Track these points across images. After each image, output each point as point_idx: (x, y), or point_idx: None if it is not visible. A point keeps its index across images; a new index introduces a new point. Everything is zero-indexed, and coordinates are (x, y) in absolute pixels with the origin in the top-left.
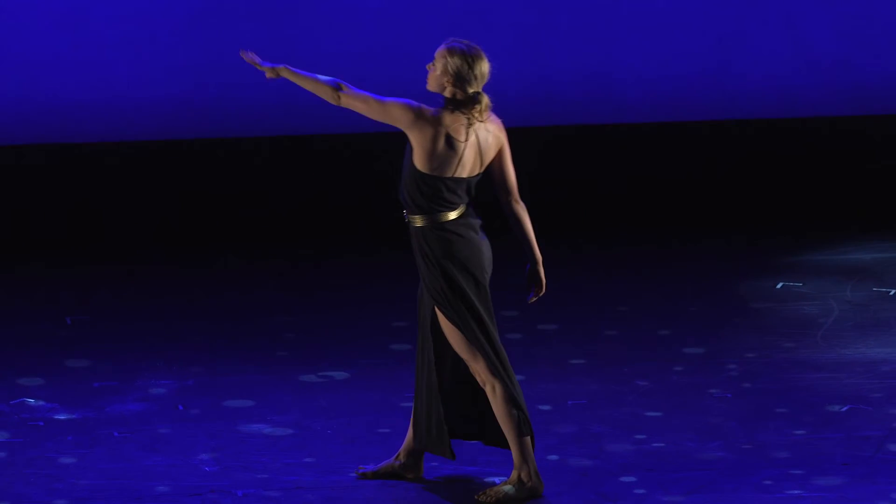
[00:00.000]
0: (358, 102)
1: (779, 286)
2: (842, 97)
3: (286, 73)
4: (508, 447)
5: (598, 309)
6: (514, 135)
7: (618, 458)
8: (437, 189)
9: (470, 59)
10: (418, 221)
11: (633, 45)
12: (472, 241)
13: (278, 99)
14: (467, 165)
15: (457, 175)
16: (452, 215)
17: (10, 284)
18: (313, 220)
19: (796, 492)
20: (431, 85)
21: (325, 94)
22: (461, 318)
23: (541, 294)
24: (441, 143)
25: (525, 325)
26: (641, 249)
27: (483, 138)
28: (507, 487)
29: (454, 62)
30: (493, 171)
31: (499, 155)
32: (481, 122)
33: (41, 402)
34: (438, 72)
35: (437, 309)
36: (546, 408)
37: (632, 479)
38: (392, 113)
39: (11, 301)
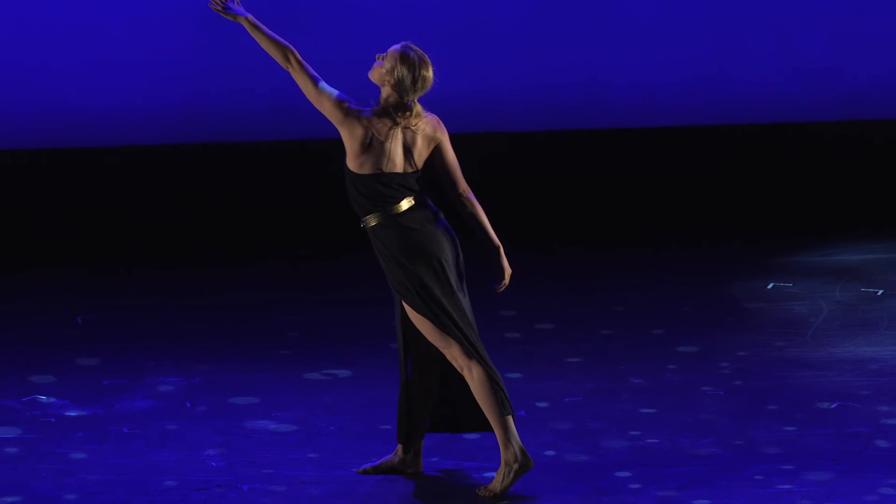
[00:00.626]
0: (300, 78)
1: (770, 287)
2: (832, 103)
3: (246, 24)
4: (484, 430)
5: (594, 309)
6: (512, 139)
7: (613, 453)
8: (373, 187)
9: (417, 71)
10: (371, 221)
11: (629, 52)
12: (426, 230)
13: (281, 104)
14: (397, 162)
15: (387, 171)
16: (402, 207)
17: (21, 285)
18: (314, 221)
19: (786, 486)
20: (374, 76)
21: (276, 56)
22: (428, 307)
23: (506, 282)
24: (367, 142)
25: (523, 324)
26: (636, 251)
27: (409, 138)
28: (500, 475)
29: (401, 70)
30: (436, 169)
31: (437, 151)
32: (407, 127)
33: (52, 399)
34: (384, 70)
35: (404, 303)
36: (543, 405)
37: (627, 474)
38: (324, 104)
39: (23, 301)
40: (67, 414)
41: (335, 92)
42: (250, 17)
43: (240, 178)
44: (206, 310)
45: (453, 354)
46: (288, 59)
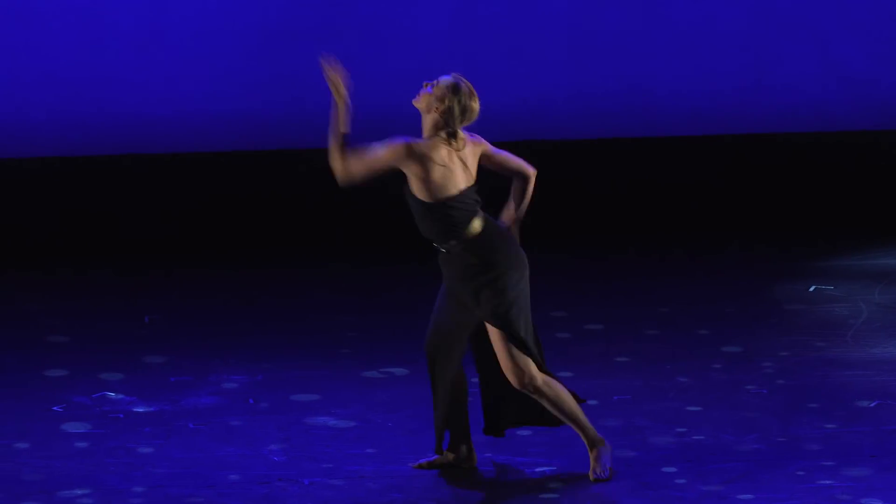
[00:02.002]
0: (359, 167)
1: (811, 289)
2: (870, 112)
3: (342, 107)
4: (529, 424)
5: (641, 310)
6: (559, 146)
7: (660, 449)
8: (445, 212)
9: (466, 102)
10: (455, 246)
11: (672, 63)
12: (506, 238)
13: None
14: (459, 182)
15: (453, 193)
16: (477, 224)
17: (92, 286)
18: (370, 225)
19: (827, 482)
20: (420, 103)
21: (335, 156)
22: (518, 324)
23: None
24: (432, 169)
25: (573, 325)
26: (682, 254)
27: (461, 156)
28: (595, 462)
29: (452, 100)
30: (495, 168)
31: (486, 158)
32: (457, 150)
33: (121, 396)
34: (434, 97)
35: (490, 324)
36: (593, 402)
37: (673, 469)
38: (387, 158)
39: (94, 301)
40: (135, 410)
41: (387, 142)
42: (347, 106)
43: (298, 184)
44: (267, 310)
45: (523, 368)
46: (342, 170)
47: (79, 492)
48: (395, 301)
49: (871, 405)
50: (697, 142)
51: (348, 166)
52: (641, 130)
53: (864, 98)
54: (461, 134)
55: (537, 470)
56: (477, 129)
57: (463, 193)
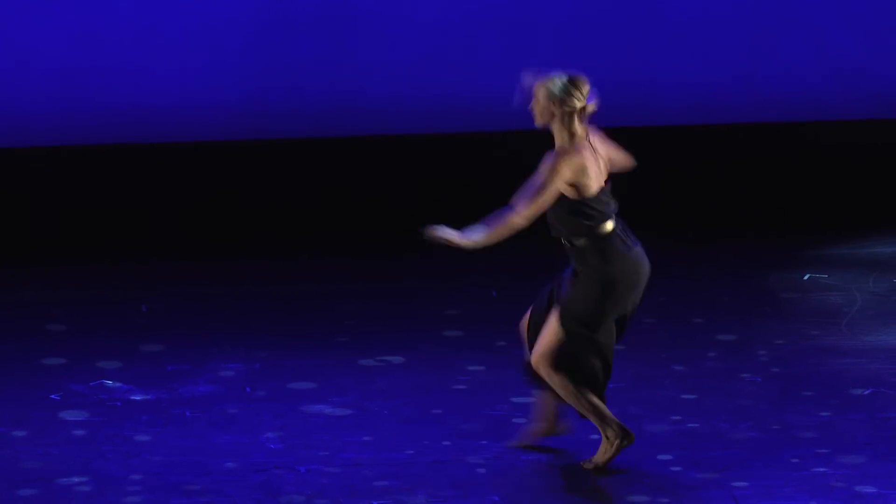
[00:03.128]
0: (535, 210)
1: (806, 278)
2: (864, 102)
3: (482, 242)
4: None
5: None
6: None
7: (655, 437)
8: (584, 210)
9: (574, 95)
10: (581, 241)
11: (669, 54)
12: (630, 253)
13: (338, 102)
14: (599, 179)
15: (595, 191)
16: (608, 227)
17: (90, 275)
18: (369, 215)
19: (822, 469)
20: (538, 119)
21: (510, 229)
22: (573, 332)
23: None
24: (587, 173)
25: None
26: (678, 244)
27: (596, 151)
28: (603, 448)
29: (561, 102)
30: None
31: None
32: (592, 146)
33: (118, 384)
34: (542, 107)
35: (557, 312)
36: None
37: (668, 457)
38: (555, 190)
39: (92, 290)
40: (133, 398)
41: (546, 175)
42: (479, 237)
43: (297, 174)
44: (265, 299)
45: (540, 367)
46: (513, 219)
47: (76, 479)
48: (392, 290)
49: (866, 393)
50: (692, 132)
51: (524, 220)
52: (636, 120)
53: (859, 88)
54: (582, 129)
55: (534, 457)
56: (477, 118)
57: (601, 191)
